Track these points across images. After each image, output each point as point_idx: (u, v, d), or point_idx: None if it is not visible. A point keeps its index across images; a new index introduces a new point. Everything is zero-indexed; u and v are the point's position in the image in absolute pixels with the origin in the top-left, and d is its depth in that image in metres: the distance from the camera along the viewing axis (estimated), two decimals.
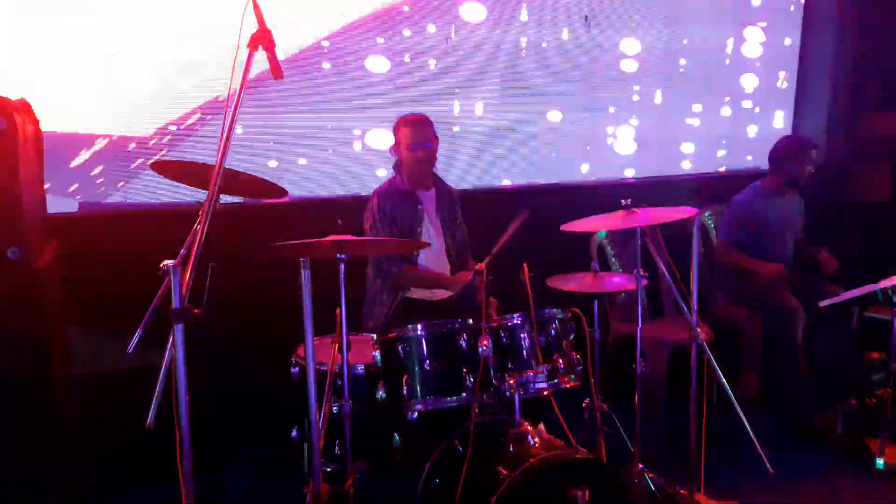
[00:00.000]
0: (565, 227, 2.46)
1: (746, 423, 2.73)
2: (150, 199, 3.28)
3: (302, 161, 3.57)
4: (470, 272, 2.87)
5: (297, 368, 2.52)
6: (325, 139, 3.61)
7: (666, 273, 2.60)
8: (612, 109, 4.31)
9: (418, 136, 3.00)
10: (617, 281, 2.79)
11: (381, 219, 2.99)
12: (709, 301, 3.99)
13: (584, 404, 2.94)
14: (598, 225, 2.57)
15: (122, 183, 3.25)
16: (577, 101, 4.19)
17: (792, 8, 4.80)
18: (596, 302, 2.78)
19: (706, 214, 4.11)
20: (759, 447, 2.72)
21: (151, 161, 2.07)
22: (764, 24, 4.68)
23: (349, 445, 2.12)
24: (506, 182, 4.09)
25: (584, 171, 4.28)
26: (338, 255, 2.00)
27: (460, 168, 3.87)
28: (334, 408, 2.18)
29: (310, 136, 3.57)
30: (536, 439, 2.22)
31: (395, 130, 3.08)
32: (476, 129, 3.93)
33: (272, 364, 2.71)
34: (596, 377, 2.75)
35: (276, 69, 1.95)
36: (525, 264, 2.30)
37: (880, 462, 3.10)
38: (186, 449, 1.69)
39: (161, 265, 1.85)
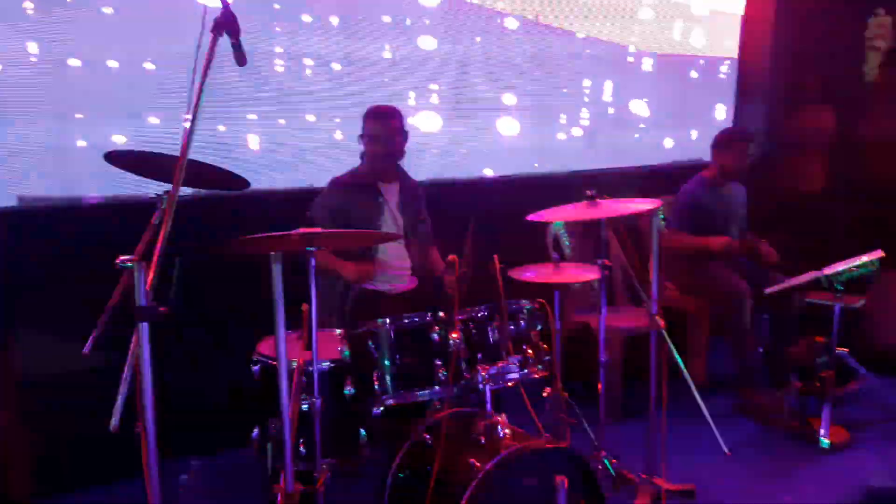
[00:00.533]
0: (531, 218, 2.47)
1: (703, 406, 2.83)
2: (97, 192, 3.11)
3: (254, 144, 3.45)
4: (372, 266, 2.90)
5: (257, 366, 2.45)
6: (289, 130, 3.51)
7: (627, 263, 2.66)
8: (562, 103, 4.34)
9: (380, 129, 2.95)
10: (577, 271, 2.81)
11: (321, 207, 2.95)
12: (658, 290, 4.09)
13: (544, 394, 2.99)
14: (563, 215, 2.58)
15: (67, 174, 3.06)
16: (531, 94, 4.20)
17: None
18: (557, 293, 2.81)
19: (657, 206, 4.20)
20: (715, 429, 2.83)
21: (106, 152, 1.94)
22: (707, 13, 4.81)
23: (319, 443, 2.07)
24: (486, 173, 4.09)
25: (536, 165, 4.31)
26: (307, 249, 1.94)
27: (421, 160, 3.84)
28: (303, 405, 2.12)
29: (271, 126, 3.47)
30: (507, 430, 2.22)
31: (364, 119, 3.02)
32: (434, 121, 3.90)
33: (231, 363, 2.63)
34: (559, 367, 2.79)
35: (240, 56, 1.87)
36: (496, 256, 2.29)
37: (825, 441, 3.23)
38: (152, 450, 1.62)
39: (118, 261, 1.76)
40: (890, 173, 4.73)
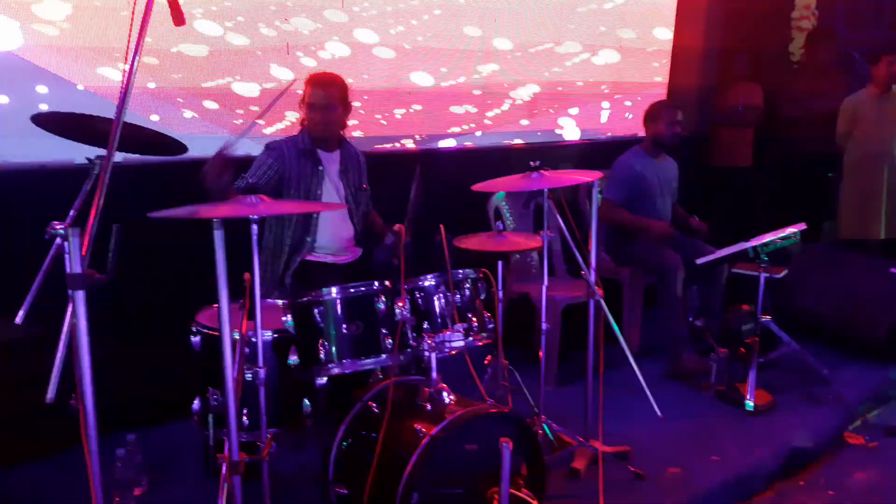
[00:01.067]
0: (476, 188, 2.48)
1: (638, 372, 2.93)
2: (23, 157, 2.95)
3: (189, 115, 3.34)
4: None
5: (198, 337, 2.40)
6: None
7: (567, 234, 2.71)
8: (505, 74, 4.35)
9: (320, 96, 2.90)
10: (519, 241, 2.85)
11: (265, 159, 2.89)
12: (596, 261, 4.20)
13: (486, 361, 3.04)
14: (506, 186, 2.60)
15: None
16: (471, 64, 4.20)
17: None
18: (501, 262, 2.85)
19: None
20: (649, 394, 2.94)
21: (33, 115, 1.85)
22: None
23: (264, 413, 2.05)
24: (409, 144, 4.06)
25: (478, 135, 4.32)
26: (250, 217, 1.90)
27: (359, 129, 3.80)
28: (247, 375, 2.09)
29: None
30: (451, 397, 2.25)
31: (304, 85, 2.96)
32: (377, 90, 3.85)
33: (168, 333, 2.56)
34: (502, 335, 2.84)
35: (177, 14, 1.80)
36: (442, 226, 2.30)
37: (750, 404, 3.41)
38: (91, 423, 1.57)
39: (50, 228, 1.69)
40: (813, 148, 4.96)
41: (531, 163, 2.46)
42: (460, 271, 2.39)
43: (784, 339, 3.69)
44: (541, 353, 2.84)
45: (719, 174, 5.17)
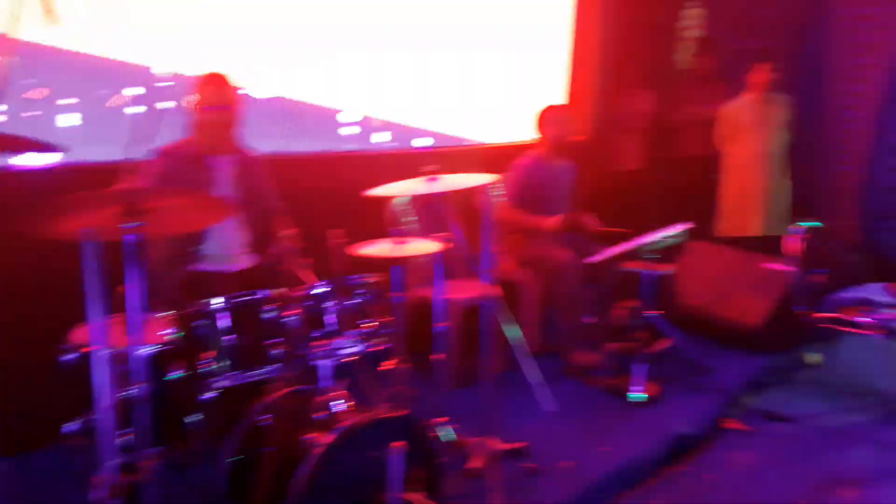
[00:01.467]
0: (368, 193, 2.48)
1: (530, 370, 3.01)
2: None
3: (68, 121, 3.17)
4: None
5: (72, 355, 2.29)
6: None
7: (462, 237, 2.75)
8: (399, 79, 4.36)
9: (215, 96, 2.82)
10: (417, 245, 2.87)
11: (152, 167, 2.79)
12: (495, 263, 4.29)
13: (387, 366, 3.04)
14: (401, 190, 2.62)
15: None
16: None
17: None
18: (398, 268, 2.86)
19: (493, 182, 4.37)
20: (541, 390, 3.02)
21: None
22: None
23: (145, 431, 1.98)
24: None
25: (379, 140, 4.31)
26: (123, 226, 1.82)
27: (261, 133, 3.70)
28: (128, 393, 2.01)
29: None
30: (346, 404, 2.25)
31: (195, 86, 2.86)
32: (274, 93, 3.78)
33: (40, 353, 2.42)
34: (399, 340, 2.85)
35: (49, 12, 1.71)
36: (335, 231, 2.28)
37: (636, 396, 3.58)
38: None
39: None
40: (698, 151, 5.25)
41: (426, 167, 2.48)
42: (353, 277, 2.39)
43: (669, 332, 3.89)
44: (434, 356, 2.86)
45: (614, 177, 5.39)
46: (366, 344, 2.36)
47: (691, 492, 3.03)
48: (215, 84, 2.86)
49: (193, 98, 2.85)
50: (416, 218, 3.89)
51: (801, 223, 4.12)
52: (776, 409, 3.68)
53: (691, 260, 4.67)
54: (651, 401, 3.59)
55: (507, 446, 3.00)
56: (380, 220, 3.75)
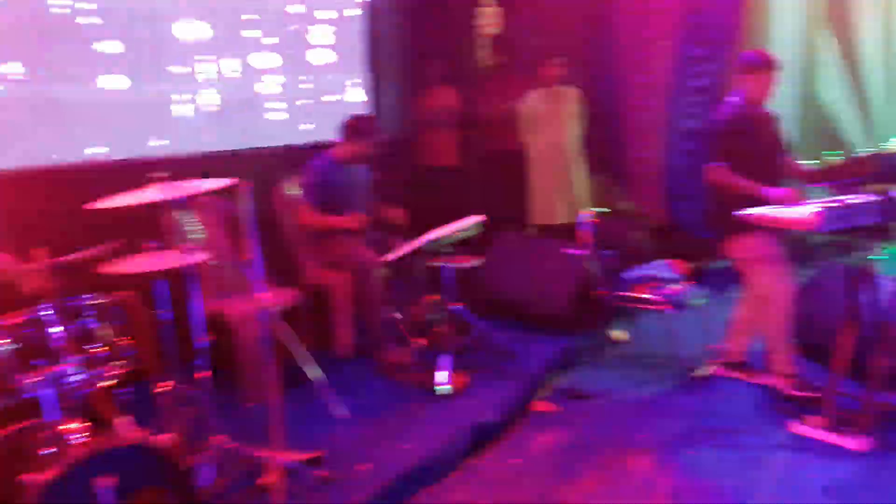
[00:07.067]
0: (90, 206, 2.28)
1: (313, 376, 2.90)
2: None
3: None
4: None
5: None
6: None
7: (225, 247, 2.61)
8: (179, 80, 4.14)
9: None
10: (176, 256, 2.69)
11: None
12: (303, 268, 4.18)
13: (157, 389, 2.84)
14: (128, 201, 2.43)
15: None
16: (139, 69, 3.92)
17: None
18: (157, 282, 2.68)
19: (290, 186, 4.25)
20: (325, 395, 2.92)
21: None
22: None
23: None
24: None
25: (155, 145, 4.05)
26: None
27: None
28: None
29: None
30: (78, 436, 2.05)
31: None
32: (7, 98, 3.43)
33: None
34: (169, 358, 2.67)
35: None
36: (38, 251, 2.07)
37: (444, 388, 3.58)
38: None
39: None
40: (507, 146, 5.39)
41: (151, 175, 2.32)
42: (80, 298, 2.18)
43: (475, 323, 3.94)
44: (198, 374, 2.69)
45: (426, 173, 5.42)
46: (100, 368, 2.16)
47: (493, 479, 3.06)
48: None
49: None
50: (201, 228, 3.70)
51: (593, 208, 4.32)
52: (581, 388, 3.82)
53: (500, 250, 4.78)
54: (458, 392, 3.61)
55: (302, 457, 2.90)
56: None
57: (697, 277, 4.60)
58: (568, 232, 5.04)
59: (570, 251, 4.40)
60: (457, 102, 5.47)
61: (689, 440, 3.24)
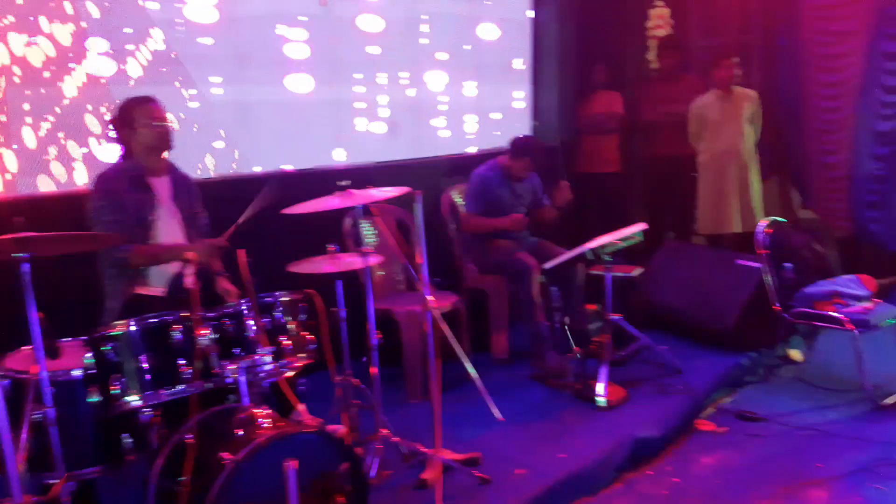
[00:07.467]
0: (286, 211, 2.52)
1: (476, 378, 2.97)
2: None
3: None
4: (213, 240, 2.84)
5: (6, 381, 2.34)
6: None
7: (397, 249, 2.77)
8: (359, 91, 4.39)
9: (159, 112, 2.87)
10: (351, 260, 2.89)
11: (103, 198, 2.80)
12: (463, 272, 4.31)
13: (334, 381, 3.06)
14: (316, 207, 2.64)
15: None
16: (324, 82, 4.22)
17: None
18: (339, 282, 2.90)
19: (455, 192, 4.40)
20: (487, 398, 2.98)
21: None
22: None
23: (55, 453, 2.02)
24: (256, 169, 4.03)
25: (339, 157, 4.35)
26: (15, 255, 1.87)
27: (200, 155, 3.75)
28: (43, 416, 2.05)
29: None
30: (267, 421, 2.26)
31: (127, 111, 2.91)
32: (212, 114, 3.81)
33: None
34: (343, 353, 2.88)
35: None
36: (242, 251, 2.32)
37: (601, 400, 3.53)
38: None
39: None
40: (675, 151, 5.20)
41: (339, 182, 2.51)
42: (269, 295, 2.41)
43: (635, 334, 3.84)
44: (373, 369, 2.87)
45: (587, 180, 5.36)
46: (287, 359, 2.37)
47: (653, 496, 2.98)
48: (155, 102, 2.92)
49: (129, 121, 2.90)
50: (374, 233, 3.94)
51: (771, 218, 4.05)
52: (750, 409, 3.61)
53: (663, 260, 4.61)
54: (614, 404, 3.54)
55: (461, 456, 2.99)
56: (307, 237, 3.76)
57: (887, 295, 4.17)
58: (739, 242, 4.79)
59: (744, 263, 4.16)
60: (621, 107, 5.35)
61: (874, 474, 2.96)
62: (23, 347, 2.43)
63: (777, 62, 5.45)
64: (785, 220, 4.04)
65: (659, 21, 5.66)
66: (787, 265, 3.93)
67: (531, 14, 5.25)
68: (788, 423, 3.47)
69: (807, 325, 3.98)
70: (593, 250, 3.50)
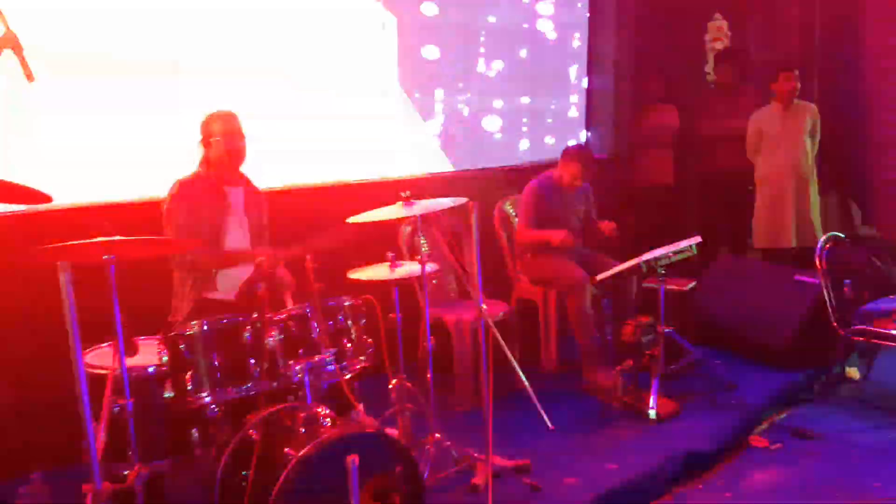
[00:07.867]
0: (350, 220, 2.62)
1: (528, 385, 3.01)
2: None
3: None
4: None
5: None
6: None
7: (451, 259, 2.84)
8: (417, 106, 4.49)
9: (233, 128, 3.03)
10: (408, 268, 2.97)
11: (179, 202, 2.96)
12: (514, 282, 4.36)
13: (390, 384, 3.15)
14: (378, 216, 2.73)
15: None
16: (388, 98, 4.34)
17: (579, 5, 5.26)
18: (396, 288, 2.99)
19: (507, 203, 4.46)
20: (539, 406, 3.02)
21: None
22: (551, 12, 5.07)
23: (133, 443, 2.15)
24: (330, 181, 4.15)
25: (395, 168, 4.45)
26: (104, 258, 2.01)
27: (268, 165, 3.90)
28: (116, 408, 2.19)
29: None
30: (329, 420, 2.35)
31: (208, 123, 3.08)
32: (287, 126, 3.96)
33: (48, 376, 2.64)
34: (398, 358, 2.96)
35: (27, 72, 1.94)
36: (308, 256, 2.43)
37: (653, 413, 3.53)
38: None
39: None
40: (730, 164, 5.15)
41: (401, 193, 2.60)
42: (333, 299, 2.51)
43: (688, 347, 3.82)
44: (428, 375, 2.94)
45: (642, 193, 5.35)
46: (347, 362, 2.47)
47: None
48: (230, 118, 3.07)
49: (206, 132, 3.06)
50: (427, 241, 4.02)
51: (831, 234, 3.99)
52: (805, 426, 3.56)
53: (717, 274, 4.57)
54: (665, 417, 3.53)
55: (511, 463, 3.04)
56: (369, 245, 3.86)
57: None
58: (795, 257, 4.71)
59: (802, 278, 4.10)
60: (676, 120, 5.33)
61: None
62: (101, 344, 2.59)
63: (837, 74, 5.36)
64: (844, 236, 3.97)
65: (717, 34, 5.62)
66: (847, 281, 3.87)
67: (588, 26, 5.28)
68: (844, 441, 3.41)
69: (865, 343, 3.89)
70: (647, 263, 3.51)
